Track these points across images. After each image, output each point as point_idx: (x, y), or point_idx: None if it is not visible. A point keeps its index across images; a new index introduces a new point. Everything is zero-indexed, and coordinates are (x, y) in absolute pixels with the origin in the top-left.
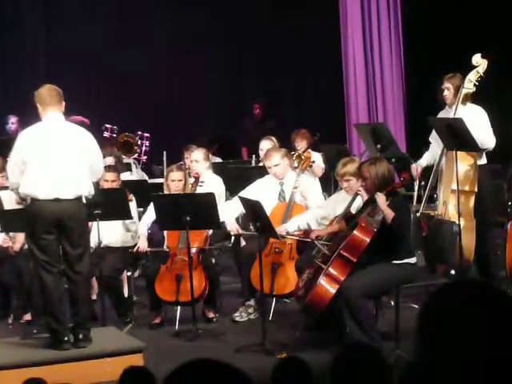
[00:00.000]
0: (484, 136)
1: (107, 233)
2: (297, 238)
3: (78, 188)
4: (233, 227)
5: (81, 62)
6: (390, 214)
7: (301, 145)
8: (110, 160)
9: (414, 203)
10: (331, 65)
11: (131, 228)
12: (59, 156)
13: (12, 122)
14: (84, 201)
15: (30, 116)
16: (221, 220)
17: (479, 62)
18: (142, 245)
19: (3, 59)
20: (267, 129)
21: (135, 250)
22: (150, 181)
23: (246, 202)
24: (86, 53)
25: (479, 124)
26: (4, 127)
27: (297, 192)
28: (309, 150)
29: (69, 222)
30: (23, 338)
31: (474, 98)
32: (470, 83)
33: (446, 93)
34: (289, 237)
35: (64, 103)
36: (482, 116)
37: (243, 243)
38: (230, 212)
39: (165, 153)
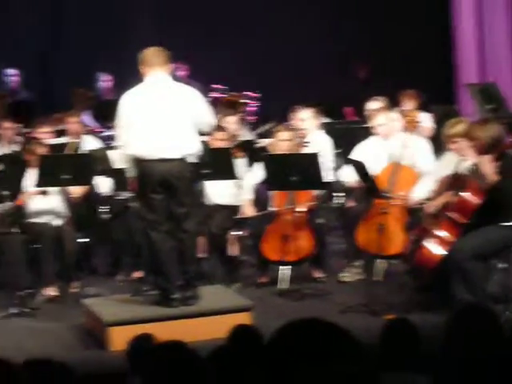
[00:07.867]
0: None
1: (216, 191)
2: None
3: (184, 147)
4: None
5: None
6: (492, 179)
7: (408, 105)
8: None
9: None
10: (440, 27)
11: (242, 185)
12: (163, 115)
13: (103, 79)
14: (194, 160)
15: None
16: (345, 179)
17: None
18: (249, 210)
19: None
20: (373, 90)
21: (240, 215)
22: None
23: (352, 162)
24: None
25: None
26: (95, 85)
27: (406, 151)
28: (416, 111)
29: (175, 182)
30: (133, 295)
31: None
32: None
33: None
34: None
35: (171, 65)
36: None
37: (350, 203)
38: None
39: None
